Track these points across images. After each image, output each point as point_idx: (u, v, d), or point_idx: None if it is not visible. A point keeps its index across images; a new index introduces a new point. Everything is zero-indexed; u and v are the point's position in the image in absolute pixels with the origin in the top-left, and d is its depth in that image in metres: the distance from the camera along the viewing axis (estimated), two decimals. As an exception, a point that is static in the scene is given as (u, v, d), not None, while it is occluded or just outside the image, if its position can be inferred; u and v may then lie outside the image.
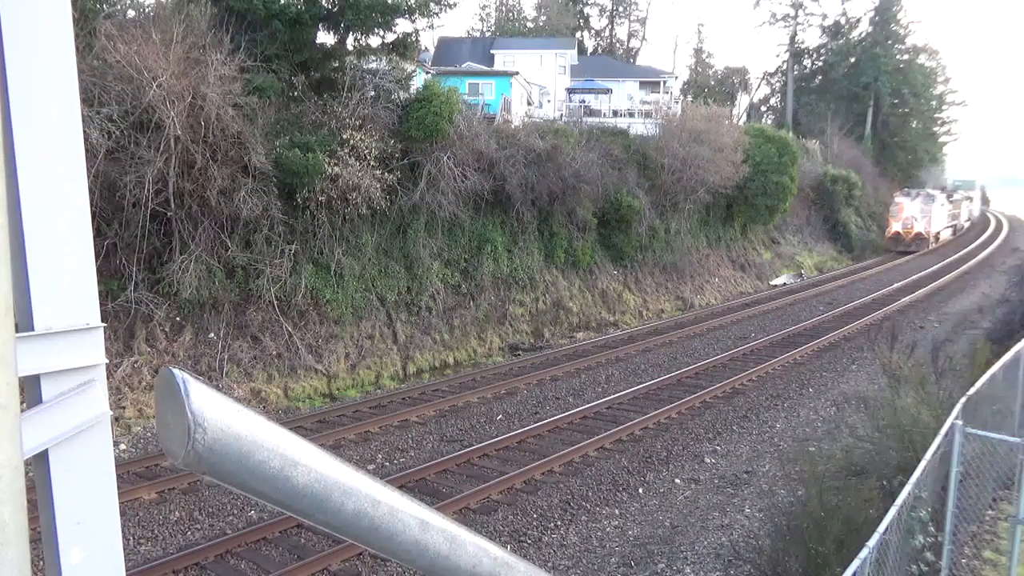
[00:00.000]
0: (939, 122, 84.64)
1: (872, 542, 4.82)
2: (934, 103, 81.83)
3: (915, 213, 48.39)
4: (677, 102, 48.46)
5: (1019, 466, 6.81)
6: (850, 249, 47.02)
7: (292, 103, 18.21)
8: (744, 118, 69.19)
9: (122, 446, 12.16)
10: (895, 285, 31.34)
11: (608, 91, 46.18)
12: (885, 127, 72.88)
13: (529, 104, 39.65)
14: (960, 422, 6.69)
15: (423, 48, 39.27)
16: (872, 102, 71.58)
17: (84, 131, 2.23)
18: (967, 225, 67.80)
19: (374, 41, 19.65)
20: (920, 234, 48.09)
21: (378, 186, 17.69)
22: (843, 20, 75.22)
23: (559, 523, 9.81)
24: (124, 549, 2.04)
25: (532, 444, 12.63)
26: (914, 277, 33.75)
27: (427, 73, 27.86)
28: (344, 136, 17.52)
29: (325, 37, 19.41)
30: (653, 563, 8.81)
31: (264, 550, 8.97)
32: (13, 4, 1.84)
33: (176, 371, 1.52)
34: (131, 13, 17.91)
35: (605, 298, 25.09)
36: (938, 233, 51.70)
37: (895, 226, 48.65)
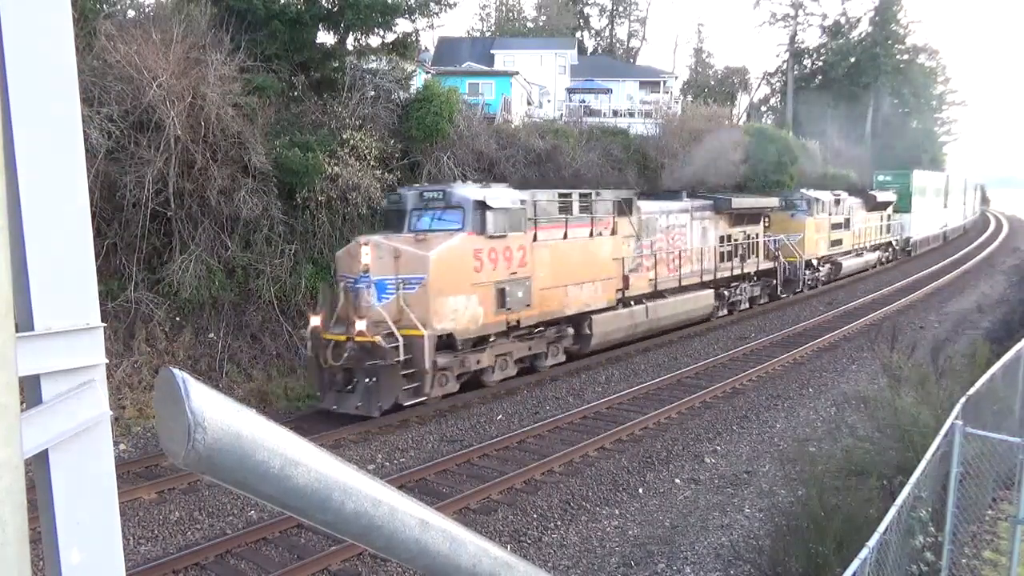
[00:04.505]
0: (939, 122, 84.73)
1: (872, 542, 4.82)
2: (934, 103, 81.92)
3: (382, 271, 13.06)
4: (677, 102, 48.55)
5: (1019, 466, 6.82)
6: None
7: (292, 103, 18.24)
8: (744, 118, 69.19)
9: (122, 446, 12.16)
10: (895, 285, 31.34)
11: (608, 91, 46.24)
12: (885, 127, 72.87)
13: (529, 104, 39.69)
14: (960, 422, 6.69)
15: (423, 48, 39.29)
16: (872, 102, 71.58)
17: (84, 131, 2.23)
18: (875, 259, 36.59)
19: (374, 41, 19.69)
20: (369, 349, 12.34)
21: (378, 186, 17.71)
22: (843, 20, 75.28)
23: (559, 523, 9.81)
24: (124, 549, 2.04)
25: (532, 444, 12.62)
26: (914, 277, 33.76)
27: (427, 73, 27.86)
28: (344, 136, 17.54)
29: (325, 37, 19.44)
30: (653, 563, 8.81)
31: (264, 550, 8.97)
32: (13, 4, 1.84)
33: (176, 371, 1.52)
34: (131, 13, 17.92)
35: (605, 298, 25.01)
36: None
37: (313, 319, 13.27)
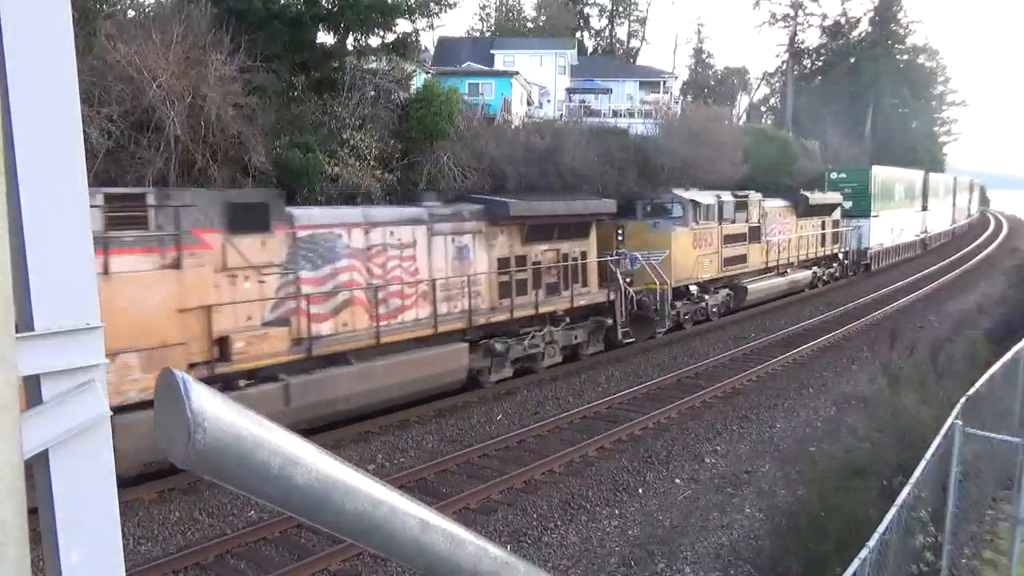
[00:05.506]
0: (939, 122, 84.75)
1: (872, 542, 4.82)
2: (934, 103, 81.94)
3: None
4: (677, 102, 48.52)
5: (1019, 466, 6.82)
6: None
7: (292, 103, 18.22)
8: (744, 118, 69.18)
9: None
10: (895, 285, 31.34)
11: (608, 91, 46.27)
12: (885, 127, 72.87)
13: (529, 104, 39.71)
14: (960, 422, 6.69)
15: (423, 48, 39.27)
16: (872, 102, 71.58)
17: (84, 131, 2.22)
18: (807, 278, 29.27)
19: (374, 41, 19.66)
20: None
21: (378, 186, 17.70)
22: (843, 20, 75.27)
23: (559, 523, 9.81)
24: (124, 549, 2.04)
25: (532, 444, 12.63)
26: (914, 277, 33.75)
27: (427, 73, 27.87)
28: (344, 136, 17.53)
29: (325, 37, 19.42)
30: (653, 563, 8.81)
31: (264, 550, 8.97)
32: (13, 4, 1.84)
33: (176, 371, 1.52)
34: (131, 13, 17.91)
35: (605, 298, 24.94)
36: None
37: None
